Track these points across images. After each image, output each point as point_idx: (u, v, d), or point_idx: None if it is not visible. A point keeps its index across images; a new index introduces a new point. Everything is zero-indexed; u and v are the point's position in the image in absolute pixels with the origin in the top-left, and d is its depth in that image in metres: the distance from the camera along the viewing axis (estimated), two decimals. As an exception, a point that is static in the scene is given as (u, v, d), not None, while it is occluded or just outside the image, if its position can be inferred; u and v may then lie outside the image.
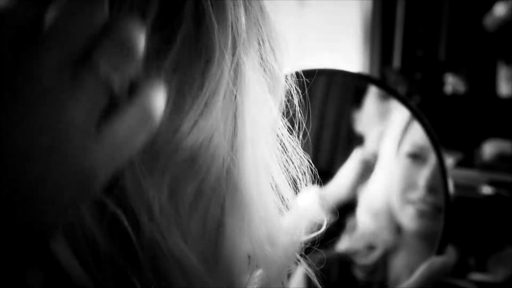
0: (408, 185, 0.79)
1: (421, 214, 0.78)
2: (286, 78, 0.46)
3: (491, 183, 2.30)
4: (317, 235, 0.48)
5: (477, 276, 2.00)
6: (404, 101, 0.78)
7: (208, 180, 0.40)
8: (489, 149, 2.50)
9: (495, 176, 2.34)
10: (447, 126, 2.47)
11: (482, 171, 2.40)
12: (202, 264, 0.39)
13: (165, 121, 0.37)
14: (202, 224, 0.40)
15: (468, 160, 2.48)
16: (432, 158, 0.73)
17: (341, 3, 2.50)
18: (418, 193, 0.78)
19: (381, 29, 2.74)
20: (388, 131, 0.81)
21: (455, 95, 2.69)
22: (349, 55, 2.60)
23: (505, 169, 2.37)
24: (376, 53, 2.72)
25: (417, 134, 0.74)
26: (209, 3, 0.40)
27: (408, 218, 0.79)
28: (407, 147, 0.79)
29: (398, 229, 0.81)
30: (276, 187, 0.44)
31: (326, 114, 0.84)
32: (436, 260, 0.63)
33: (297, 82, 0.48)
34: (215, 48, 0.39)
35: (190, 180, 0.39)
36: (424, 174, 0.77)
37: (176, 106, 0.38)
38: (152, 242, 0.37)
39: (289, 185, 0.45)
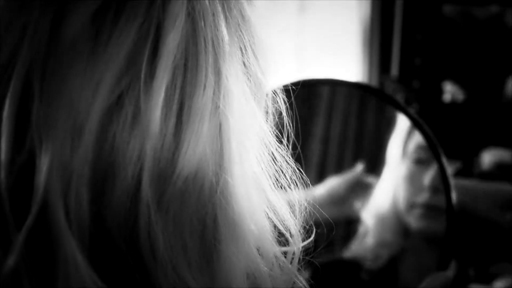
0: (414, 187, 0.80)
1: (428, 216, 0.79)
2: (275, 90, 0.45)
3: (490, 192, 2.29)
4: (312, 243, 0.47)
5: None
6: (401, 107, 0.78)
7: (201, 203, 0.39)
8: (488, 158, 2.49)
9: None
10: (446, 135, 2.46)
11: (481, 181, 2.39)
12: (200, 286, 0.39)
13: (167, 156, 0.37)
14: (199, 245, 0.39)
15: (467, 169, 2.47)
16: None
17: (339, 12, 2.50)
18: (424, 194, 0.79)
19: (379, 38, 2.74)
20: (393, 135, 0.82)
21: (453, 104, 2.69)
22: (347, 64, 2.60)
23: (504, 178, 2.36)
24: (374, 62, 2.71)
25: (421, 137, 0.75)
26: (187, 20, 0.39)
27: (415, 220, 0.80)
28: (412, 149, 0.80)
29: (405, 232, 0.81)
30: (268, 200, 0.44)
31: (331, 126, 0.84)
32: (438, 276, 0.63)
33: (296, 92, 0.47)
34: (200, 67, 0.39)
35: (187, 208, 0.38)
36: (429, 175, 0.78)
37: (175, 139, 0.38)
38: (163, 278, 0.38)
39: (281, 196, 0.45)
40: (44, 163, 0.35)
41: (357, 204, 0.82)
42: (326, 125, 0.84)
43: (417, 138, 0.78)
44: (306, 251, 0.46)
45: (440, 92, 2.71)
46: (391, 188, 0.82)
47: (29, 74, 0.36)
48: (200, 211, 0.39)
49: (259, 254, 0.42)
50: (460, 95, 2.67)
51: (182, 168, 0.38)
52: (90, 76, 0.36)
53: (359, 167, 0.82)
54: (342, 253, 0.80)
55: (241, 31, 0.42)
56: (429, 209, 0.78)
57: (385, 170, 0.82)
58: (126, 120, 0.37)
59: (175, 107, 0.38)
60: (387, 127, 0.82)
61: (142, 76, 0.37)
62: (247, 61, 0.42)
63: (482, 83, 2.65)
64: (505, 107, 2.60)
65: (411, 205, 0.80)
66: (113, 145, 0.36)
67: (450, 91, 2.67)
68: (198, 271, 0.39)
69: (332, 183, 0.82)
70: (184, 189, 0.38)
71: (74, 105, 0.35)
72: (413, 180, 0.81)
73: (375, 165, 0.83)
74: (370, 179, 0.82)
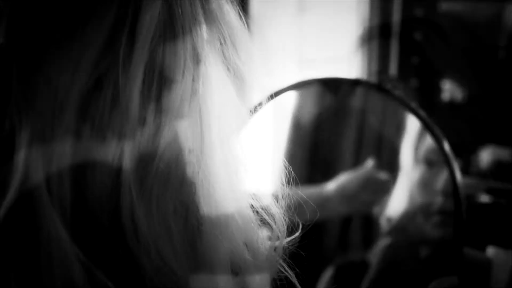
0: (428, 192, 0.79)
1: (444, 223, 0.78)
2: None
3: (489, 191, 2.29)
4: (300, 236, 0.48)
5: (477, 285, 1.99)
6: (414, 110, 0.78)
7: (184, 186, 0.40)
8: (486, 156, 2.49)
9: (493, 184, 2.33)
10: (444, 133, 2.46)
11: (480, 179, 2.39)
12: (184, 270, 0.39)
13: (147, 139, 0.38)
14: (183, 228, 0.40)
15: (466, 168, 2.47)
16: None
17: (338, 12, 2.50)
18: (438, 199, 0.78)
19: (377, 37, 2.74)
20: (405, 139, 0.81)
21: (452, 102, 2.69)
22: (346, 63, 2.60)
23: (502, 176, 2.36)
24: (373, 61, 2.71)
25: (432, 140, 0.75)
26: (164, 5, 0.39)
27: (432, 228, 0.79)
28: (423, 153, 0.80)
29: (422, 238, 0.81)
30: (250, 185, 0.45)
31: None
32: (443, 281, 0.64)
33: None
34: (178, 54, 0.39)
35: (170, 191, 0.39)
36: (441, 179, 0.77)
37: (155, 123, 0.39)
38: (147, 260, 0.38)
39: (265, 184, 0.45)
40: (24, 140, 0.36)
41: (369, 200, 0.82)
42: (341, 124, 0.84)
43: (428, 141, 0.78)
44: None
45: (438, 91, 2.72)
46: (406, 193, 0.81)
47: (7, 55, 0.37)
48: (183, 195, 0.40)
49: (243, 239, 0.43)
50: (459, 94, 2.68)
51: (163, 151, 0.38)
52: (68, 56, 0.37)
53: (370, 163, 0.82)
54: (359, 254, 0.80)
55: (219, 23, 0.43)
56: (444, 215, 0.78)
57: (400, 175, 0.82)
58: (105, 101, 0.37)
59: (154, 90, 0.39)
60: (397, 129, 0.82)
61: (121, 58, 0.37)
62: (227, 51, 0.44)
63: (481, 81, 2.66)
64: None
65: (428, 213, 0.80)
66: (93, 126, 0.37)
67: (448, 89, 2.67)
68: (182, 254, 0.40)
69: (342, 180, 0.82)
70: (167, 173, 0.39)
71: (53, 84, 0.36)
72: (426, 184, 0.80)
73: (391, 168, 0.83)
74: (382, 175, 0.82)
